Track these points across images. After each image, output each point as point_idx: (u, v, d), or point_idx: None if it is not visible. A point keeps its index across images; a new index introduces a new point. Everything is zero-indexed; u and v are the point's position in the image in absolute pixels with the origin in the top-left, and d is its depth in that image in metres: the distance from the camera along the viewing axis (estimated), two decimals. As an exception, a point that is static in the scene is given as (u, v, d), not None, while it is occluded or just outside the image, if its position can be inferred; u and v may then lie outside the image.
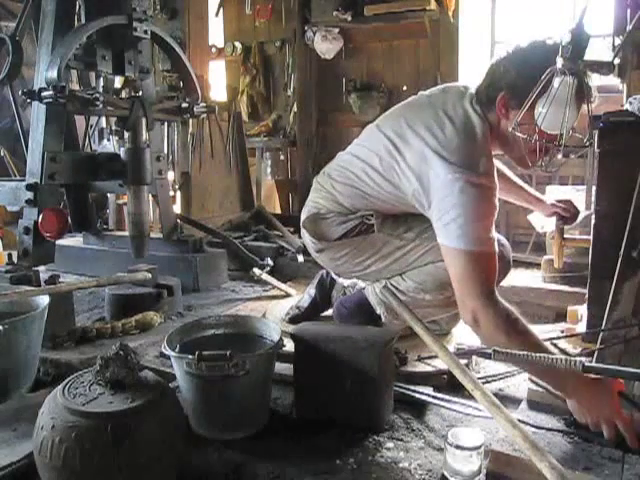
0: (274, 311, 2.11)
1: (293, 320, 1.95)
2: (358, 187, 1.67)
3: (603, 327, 1.44)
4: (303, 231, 1.82)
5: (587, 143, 1.42)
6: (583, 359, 1.34)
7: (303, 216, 1.81)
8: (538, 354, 1.37)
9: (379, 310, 1.73)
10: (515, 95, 1.43)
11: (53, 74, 2.05)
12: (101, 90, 2.42)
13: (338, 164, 1.76)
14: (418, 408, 1.44)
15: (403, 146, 1.53)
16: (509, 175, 1.94)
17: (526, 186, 1.96)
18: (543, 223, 2.58)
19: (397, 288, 1.70)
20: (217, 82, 5.11)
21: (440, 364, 1.52)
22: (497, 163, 1.85)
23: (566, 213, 1.84)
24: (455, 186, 1.38)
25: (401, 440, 1.30)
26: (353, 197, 1.69)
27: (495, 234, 1.43)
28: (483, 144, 1.47)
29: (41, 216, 2.16)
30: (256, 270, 2.61)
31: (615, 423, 1.19)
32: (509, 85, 1.44)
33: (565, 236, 1.89)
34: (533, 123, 1.40)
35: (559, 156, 1.48)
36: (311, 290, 2.04)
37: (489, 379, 1.61)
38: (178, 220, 2.94)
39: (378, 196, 1.64)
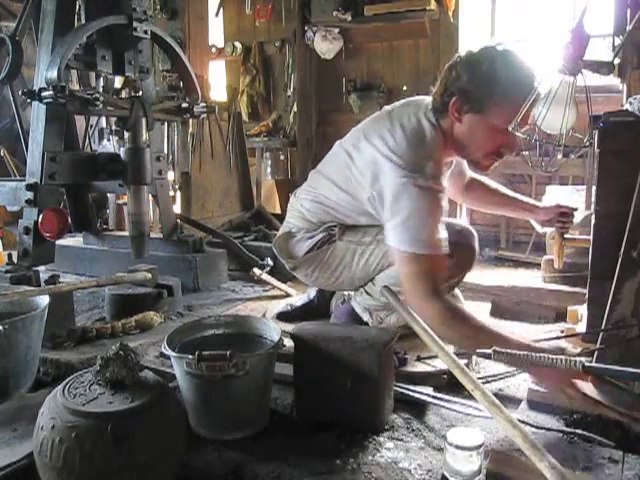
0: (274, 311, 2.11)
1: (280, 316, 1.99)
2: (322, 202, 1.74)
3: (603, 327, 1.44)
4: (275, 251, 1.91)
5: (587, 143, 1.42)
6: (583, 359, 1.34)
7: (276, 236, 1.90)
8: (538, 354, 1.38)
9: (365, 317, 1.75)
10: (467, 99, 1.48)
11: (53, 74, 2.05)
12: (101, 90, 2.42)
13: (307, 183, 1.84)
14: (418, 408, 1.44)
15: (356, 155, 1.61)
16: (498, 188, 1.98)
17: (519, 196, 1.98)
18: (543, 223, 2.58)
19: (370, 295, 1.73)
20: (217, 82, 5.11)
21: (440, 364, 1.52)
22: (485, 179, 1.96)
23: (569, 211, 1.86)
24: (403, 190, 1.44)
25: (401, 440, 1.30)
26: (319, 212, 1.76)
27: (443, 235, 1.47)
28: (432, 149, 1.51)
29: (41, 216, 2.16)
30: (256, 270, 2.61)
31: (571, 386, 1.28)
32: (461, 90, 1.49)
33: (565, 236, 1.89)
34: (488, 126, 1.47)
35: (559, 156, 1.48)
36: (312, 292, 2.05)
37: (489, 379, 1.61)
38: (178, 220, 2.94)
39: (341, 210, 1.71)
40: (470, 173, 2.01)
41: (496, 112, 1.46)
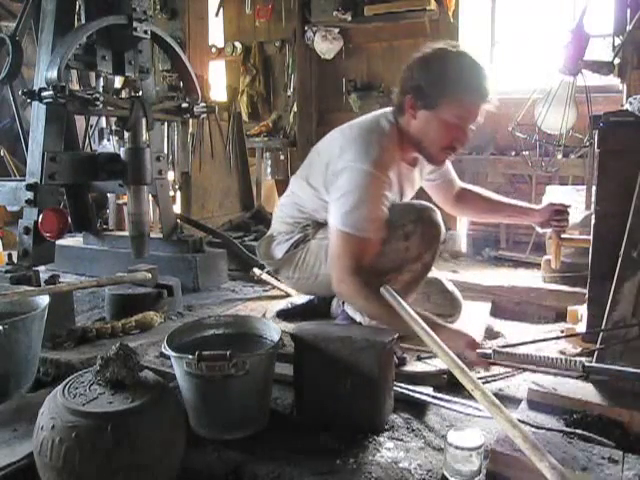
0: (274, 311, 2.11)
1: (281, 314, 2.02)
2: (296, 202, 1.86)
3: (603, 327, 1.44)
4: (258, 254, 2.02)
5: (587, 143, 1.42)
6: (583, 359, 1.34)
7: (259, 241, 2.00)
8: (538, 354, 1.38)
9: (357, 318, 1.75)
10: (420, 96, 1.58)
11: (53, 74, 2.05)
12: (101, 90, 2.42)
13: (288, 187, 1.95)
14: (418, 408, 1.44)
15: (322, 150, 1.76)
16: (491, 196, 2.03)
17: (513, 201, 2.03)
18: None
19: None
20: (217, 82, 5.11)
21: (440, 364, 1.52)
22: (476, 188, 2.05)
23: (563, 208, 1.90)
24: (345, 172, 1.57)
25: (401, 440, 1.30)
26: (295, 212, 1.87)
27: (379, 219, 1.56)
28: (383, 140, 1.62)
29: (41, 216, 2.16)
30: (256, 270, 2.60)
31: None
32: (414, 88, 1.59)
33: (562, 236, 1.90)
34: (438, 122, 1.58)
35: (559, 156, 1.48)
36: None
37: (489, 379, 1.61)
38: (178, 220, 2.94)
39: (310, 205, 1.81)
40: (460, 183, 2.06)
41: (447, 108, 1.55)
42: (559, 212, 1.88)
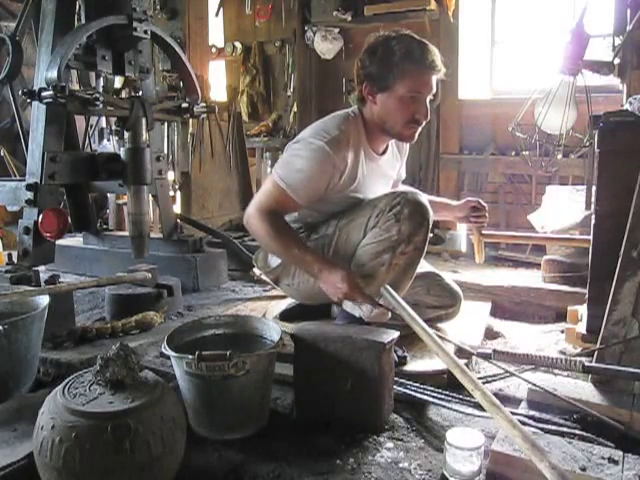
0: (274, 311, 2.11)
1: (281, 314, 2.02)
2: None
3: (603, 327, 1.44)
4: (256, 267, 2.06)
5: (587, 143, 1.42)
6: (583, 359, 1.34)
7: (255, 254, 2.04)
8: (538, 354, 1.38)
9: (357, 313, 1.75)
10: (373, 82, 1.70)
11: (53, 74, 2.05)
12: (101, 90, 2.42)
13: None
14: (418, 408, 1.44)
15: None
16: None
17: (437, 198, 2.10)
18: (543, 223, 2.58)
19: None
20: (217, 82, 5.11)
21: (440, 364, 1.52)
22: (408, 188, 2.03)
23: (479, 205, 1.97)
24: (301, 143, 1.69)
25: (401, 440, 1.30)
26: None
27: (314, 191, 1.67)
28: (343, 124, 1.71)
29: (41, 216, 2.16)
30: (256, 270, 2.60)
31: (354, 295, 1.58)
32: (367, 75, 1.72)
33: (483, 232, 1.99)
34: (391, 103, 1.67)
35: (559, 156, 1.48)
36: None
37: (489, 379, 1.61)
38: (178, 220, 2.94)
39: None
40: (400, 185, 2.10)
41: (399, 85, 1.65)
42: (476, 209, 1.96)
